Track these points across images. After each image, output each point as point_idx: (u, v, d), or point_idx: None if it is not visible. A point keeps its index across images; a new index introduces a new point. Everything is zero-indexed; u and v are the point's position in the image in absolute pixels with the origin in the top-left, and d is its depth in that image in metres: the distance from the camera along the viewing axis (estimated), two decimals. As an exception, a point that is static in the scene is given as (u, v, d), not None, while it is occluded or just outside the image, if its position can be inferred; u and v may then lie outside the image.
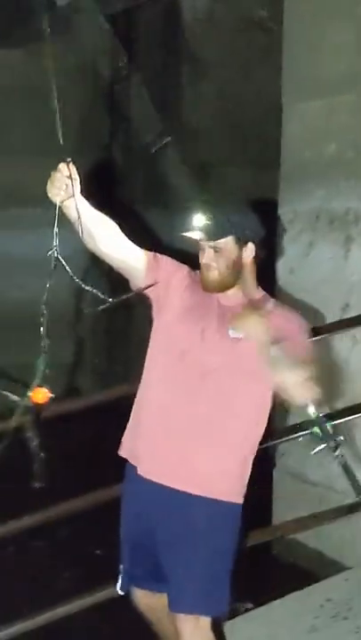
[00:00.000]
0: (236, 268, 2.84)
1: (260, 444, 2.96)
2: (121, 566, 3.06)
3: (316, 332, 3.57)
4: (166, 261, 2.91)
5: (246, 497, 2.92)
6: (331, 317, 4.67)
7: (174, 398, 2.83)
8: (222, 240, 2.81)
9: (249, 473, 2.92)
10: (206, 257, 2.83)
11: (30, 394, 2.41)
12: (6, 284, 7.88)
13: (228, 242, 2.81)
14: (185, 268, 2.94)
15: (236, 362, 2.78)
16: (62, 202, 2.53)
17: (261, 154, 6.64)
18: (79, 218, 2.56)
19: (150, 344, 2.97)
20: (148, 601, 3.08)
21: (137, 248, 2.86)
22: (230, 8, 7.75)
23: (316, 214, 4.91)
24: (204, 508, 2.81)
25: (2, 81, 8.06)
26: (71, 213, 2.58)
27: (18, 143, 7.79)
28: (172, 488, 2.80)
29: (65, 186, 2.50)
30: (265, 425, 2.92)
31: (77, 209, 2.55)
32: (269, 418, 2.94)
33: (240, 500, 2.91)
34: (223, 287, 2.86)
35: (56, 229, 2.42)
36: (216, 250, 2.81)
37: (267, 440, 3.50)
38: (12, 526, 3.45)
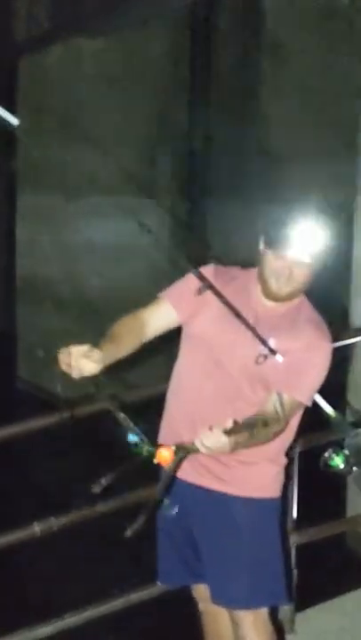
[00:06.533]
0: (305, 284, 2.74)
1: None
2: (159, 562, 3.04)
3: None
4: (188, 287, 2.78)
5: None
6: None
7: (204, 403, 2.77)
8: (311, 258, 2.67)
9: (283, 470, 2.89)
10: (287, 270, 2.67)
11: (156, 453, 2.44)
12: (87, 271, 7.92)
13: (313, 260, 2.67)
14: (210, 274, 2.75)
15: (265, 373, 2.68)
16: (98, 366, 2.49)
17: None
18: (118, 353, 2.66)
19: (182, 350, 2.90)
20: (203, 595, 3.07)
21: (158, 307, 2.84)
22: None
23: None
24: (240, 507, 2.78)
25: (83, 70, 8.13)
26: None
27: (99, 132, 7.81)
28: (207, 487, 2.77)
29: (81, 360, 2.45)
30: (295, 426, 2.83)
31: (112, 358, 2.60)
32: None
33: (276, 495, 2.89)
34: (285, 299, 2.75)
35: None
36: (302, 266, 2.67)
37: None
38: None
